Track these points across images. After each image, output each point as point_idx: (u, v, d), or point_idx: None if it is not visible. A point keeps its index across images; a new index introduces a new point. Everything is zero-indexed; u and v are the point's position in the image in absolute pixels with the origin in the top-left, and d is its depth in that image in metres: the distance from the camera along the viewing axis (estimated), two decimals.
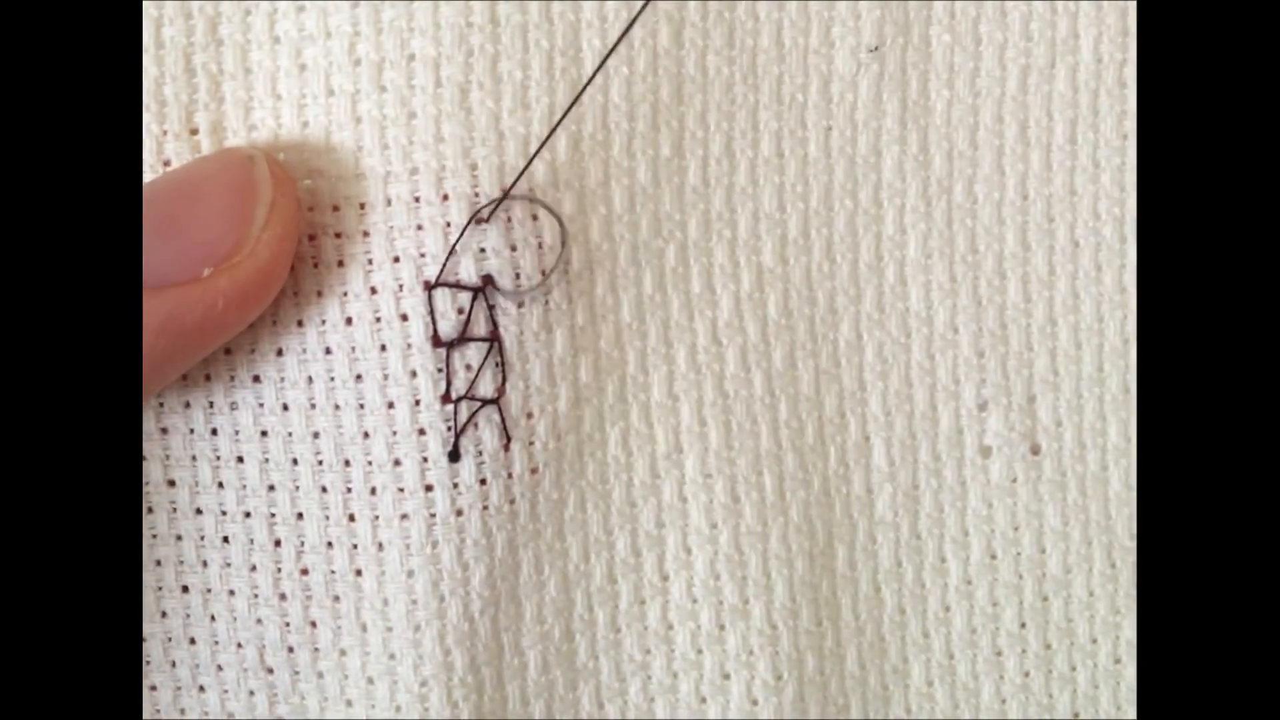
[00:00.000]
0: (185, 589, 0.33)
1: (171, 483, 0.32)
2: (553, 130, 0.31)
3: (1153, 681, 0.22)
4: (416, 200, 0.31)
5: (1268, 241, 0.23)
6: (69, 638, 0.24)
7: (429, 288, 0.31)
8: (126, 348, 0.25)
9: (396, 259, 0.31)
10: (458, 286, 0.31)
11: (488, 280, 0.31)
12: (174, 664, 0.33)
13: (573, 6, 0.32)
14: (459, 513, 0.31)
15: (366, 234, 0.31)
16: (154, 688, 0.33)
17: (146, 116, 0.31)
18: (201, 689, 0.33)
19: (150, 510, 0.32)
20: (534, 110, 0.32)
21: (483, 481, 0.32)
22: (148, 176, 0.31)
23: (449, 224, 0.31)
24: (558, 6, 0.32)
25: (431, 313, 0.31)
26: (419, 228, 0.31)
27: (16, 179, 0.24)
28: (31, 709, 0.24)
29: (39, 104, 0.25)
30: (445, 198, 0.31)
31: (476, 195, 0.31)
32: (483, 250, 0.31)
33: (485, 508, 0.32)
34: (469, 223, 0.31)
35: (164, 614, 0.33)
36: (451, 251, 0.31)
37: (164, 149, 0.31)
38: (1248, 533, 0.23)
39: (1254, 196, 0.23)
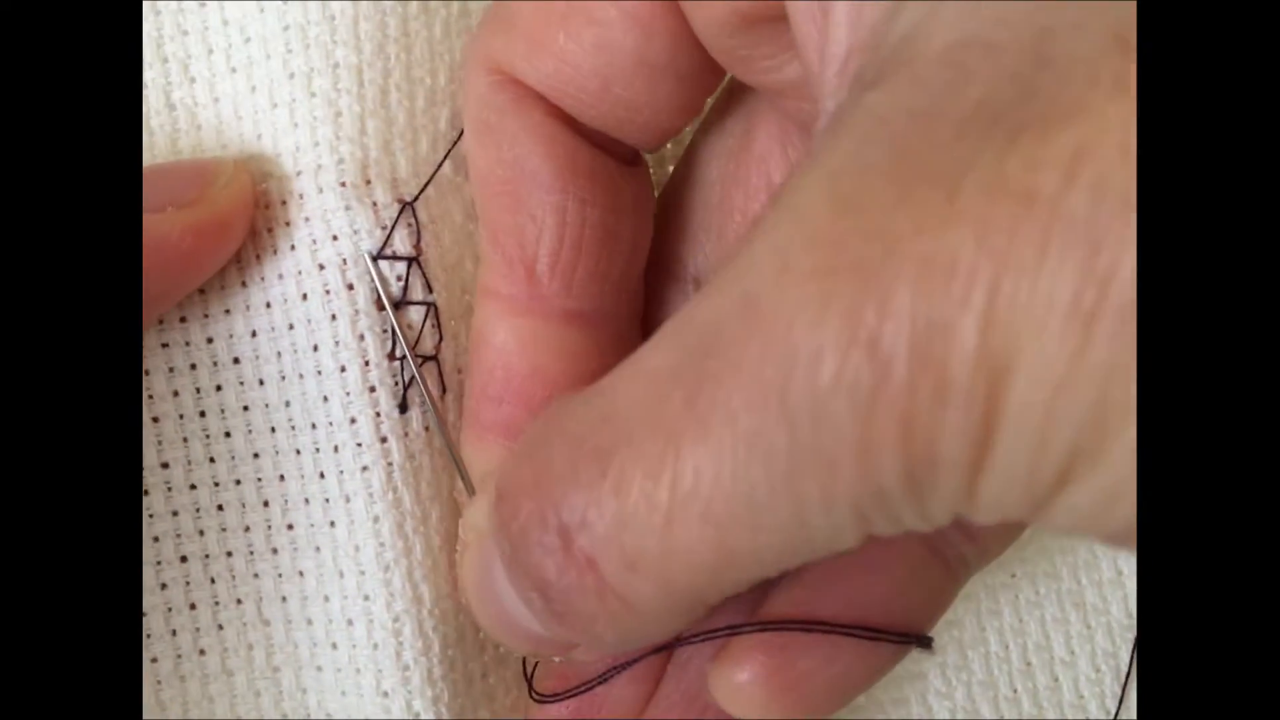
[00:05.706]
0: (184, 558, 0.35)
1: (165, 465, 0.35)
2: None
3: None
4: (343, 185, 0.34)
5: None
6: (63, 623, 0.24)
7: (374, 258, 0.34)
8: (127, 353, 0.26)
9: (335, 237, 0.34)
10: (394, 257, 0.34)
11: (420, 250, 0.35)
12: (174, 632, 0.35)
13: (467, 25, 0.37)
14: (412, 458, 0.34)
15: (308, 219, 0.34)
16: (155, 659, 0.35)
17: None
18: (202, 652, 0.36)
19: (146, 492, 0.35)
20: (441, 110, 0.36)
21: (428, 428, 0.35)
22: None
23: (375, 203, 0.34)
24: (455, 26, 0.36)
25: (376, 279, 0.34)
26: (348, 207, 0.34)
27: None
28: (28, 708, 0.23)
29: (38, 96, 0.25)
30: (368, 181, 0.34)
31: (396, 179, 0.35)
32: (410, 225, 0.35)
33: (434, 452, 0.35)
34: (405, 207, 0.35)
35: (164, 585, 0.35)
36: (393, 228, 0.34)
37: None
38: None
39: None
